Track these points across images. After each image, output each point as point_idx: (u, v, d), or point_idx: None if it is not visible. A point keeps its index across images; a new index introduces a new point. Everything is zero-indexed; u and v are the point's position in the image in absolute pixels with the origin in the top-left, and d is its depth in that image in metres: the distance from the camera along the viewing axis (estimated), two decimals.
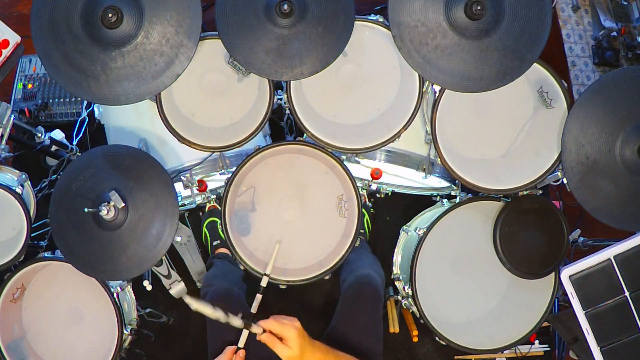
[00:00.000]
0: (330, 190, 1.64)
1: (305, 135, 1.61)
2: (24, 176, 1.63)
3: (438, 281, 1.74)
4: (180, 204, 1.81)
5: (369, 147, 1.56)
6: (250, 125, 1.56)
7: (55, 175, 1.89)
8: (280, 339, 1.30)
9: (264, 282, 1.46)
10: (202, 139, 1.55)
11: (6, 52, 1.62)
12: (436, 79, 1.44)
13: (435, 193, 1.96)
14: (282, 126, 2.01)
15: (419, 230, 1.68)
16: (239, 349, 1.42)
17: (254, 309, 1.45)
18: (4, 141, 1.64)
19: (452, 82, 1.43)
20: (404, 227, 1.90)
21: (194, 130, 1.56)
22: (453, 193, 1.79)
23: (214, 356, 1.46)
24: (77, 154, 2.06)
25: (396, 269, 1.88)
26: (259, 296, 1.47)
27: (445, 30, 1.40)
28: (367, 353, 1.54)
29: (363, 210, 1.66)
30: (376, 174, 1.77)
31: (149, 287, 1.78)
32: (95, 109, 1.90)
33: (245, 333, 1.41)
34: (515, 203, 1.65)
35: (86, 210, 1.41)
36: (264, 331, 1.32)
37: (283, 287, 1.61)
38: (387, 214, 2.19)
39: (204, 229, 2.08)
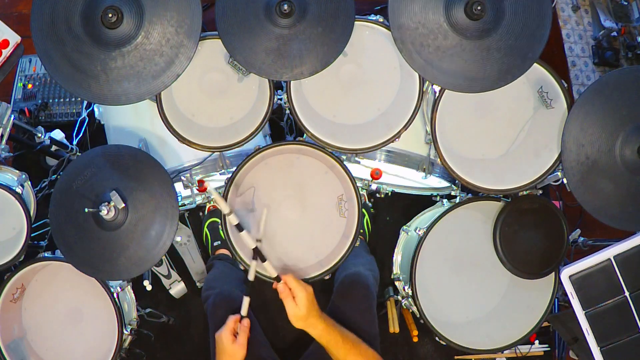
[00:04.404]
0: (330, 190, 1.63)
1: (305, 135, 1.61)
2: (24, 176, 1.63)
3: (438, 281, 1.74)
4: (180, 204, 1.81)
5: (369, 147, 1.56)
6: (250, 125, 1.56)
7: (55, 175, 1.88)
8: (293, 297, 1.37)
9: (251, 276, 1.44)
10: (202, 139, 1.55)
11: (6, 52, 1.62)
12: (439, 80, 1.44)
13: (435, 193, 1.96)
14: (282, 126, 2.01)
15: (419, 230, 1.68)
16: (242, 317, 1.41)
17: (243, 312, 1.43)
18: (4, 141, 1.64)
19: (454, 83, 1.43)
20: (404, 227, 1.90)
21: (194, 130, 1.56)
22: (453, 193, 1.79)
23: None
24: (77, 154, 2.05)
25: (396, 269, 1.88)
26: (246, 298, 1.44)
27: (445, 31, 1.40)
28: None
29: (363, 210, 1.65)
30: (376, 174, 1.78)
31: (149, 287, 1.78)
32: (95, 109, 1.90)
33: (246, 301, 1.43)
34: (515, 203, 1.65)
35: (86, 210, 1.41)
36: (279, 281, 1.40)
37: None
38: (387, 214, 2.19)
39: (205, 229, 2.08)
